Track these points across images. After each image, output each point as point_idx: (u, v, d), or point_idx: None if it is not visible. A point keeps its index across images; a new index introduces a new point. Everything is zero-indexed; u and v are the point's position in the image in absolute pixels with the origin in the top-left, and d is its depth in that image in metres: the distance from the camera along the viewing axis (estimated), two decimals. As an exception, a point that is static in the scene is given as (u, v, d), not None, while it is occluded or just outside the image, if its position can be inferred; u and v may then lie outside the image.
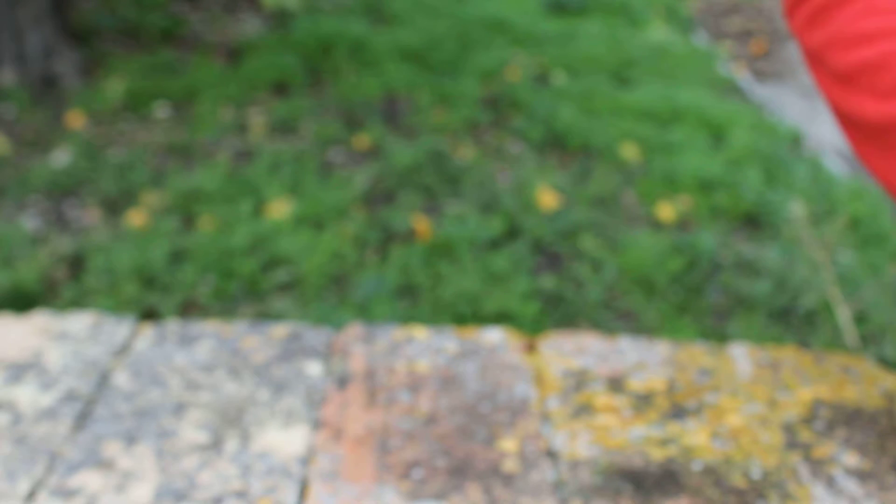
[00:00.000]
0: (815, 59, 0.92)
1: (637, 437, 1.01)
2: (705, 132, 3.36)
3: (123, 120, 3.39)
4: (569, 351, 1.14)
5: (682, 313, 2.38)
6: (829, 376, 1.11)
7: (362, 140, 3.23)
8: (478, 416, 1.03)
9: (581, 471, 0.96)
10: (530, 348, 1.15)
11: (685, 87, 3.79)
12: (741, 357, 1.14)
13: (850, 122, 0.90)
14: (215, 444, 0.99)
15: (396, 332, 1.18)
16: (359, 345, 1.15)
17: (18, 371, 1.09)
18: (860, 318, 2.26)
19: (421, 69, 3.86)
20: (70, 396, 1.05)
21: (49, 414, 1.02)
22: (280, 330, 1.18)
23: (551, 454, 0.99)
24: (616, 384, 1.09)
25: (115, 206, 2.79)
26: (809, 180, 3.04)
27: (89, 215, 2.75)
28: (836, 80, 0.89)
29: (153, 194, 2.82)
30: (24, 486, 0.93)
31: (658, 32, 4.59)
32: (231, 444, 0.99)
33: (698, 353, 1.15)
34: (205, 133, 3.26)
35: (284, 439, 1.00)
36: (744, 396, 1.07)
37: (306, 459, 0.97)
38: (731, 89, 3.98)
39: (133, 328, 1.17)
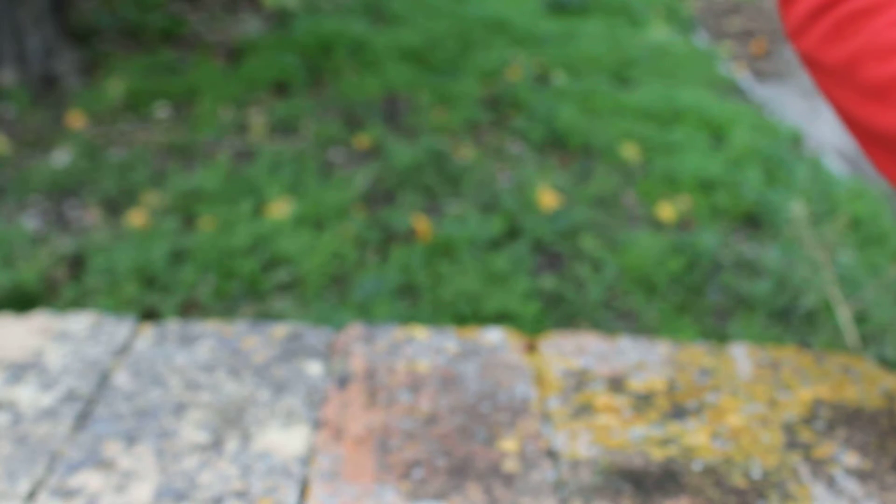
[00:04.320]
0: (838, 76, 0.84)
1: (637, 437, 1.01)
2: (705, 132, 3.36)
3: (123, 120, 3.39)
4: (569, 351, 1.14)
5: (682, 313, 2.38)
6: (830, 376, 1.11)
7: (362, 140, 3.23)
8: (478, 416, 1.03)
9: (581, 471, 0.96)
10: (530, 348, 1.15)
11: (685, 87, 3.79)
12: (741, 357, 1.14)
13: (882, 142, 0.82)
14: (215, 444, 0.99)
15: (397, 332, 1.18)
16: (359, 345, 1.15)
17: (18, 371, 1.09)
18: (860, 318, 2.26)
19: (421, 69, 3.86)
20: (70, 396, 1.05)
21: (49, 414, 1.02)
22: (280, 330, 1.18)
23: (551, 454, 0.99)
24: (616, 384, 1.09)
25: (115, 206, 2.79)
26: (809, 180, 3.04)
27: (89, 215, 2.75)
28: (868, 95, 0.81)
29: (153, 194, 2.82)
30: (24, 486, 0.93)
31: (658, 32, 4.59)
32: (231, 444, 0.99)
33: (698, 353, 1.15)
34: (205, 133, 3.26)
35: (285, 439, 1.00)
36: (744, 396, 1.07)
37: (306, 459, 0.97)
38: (731, 89, 3.98)
39: (133, 328, 1.17)
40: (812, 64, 0.88)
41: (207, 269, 2.44)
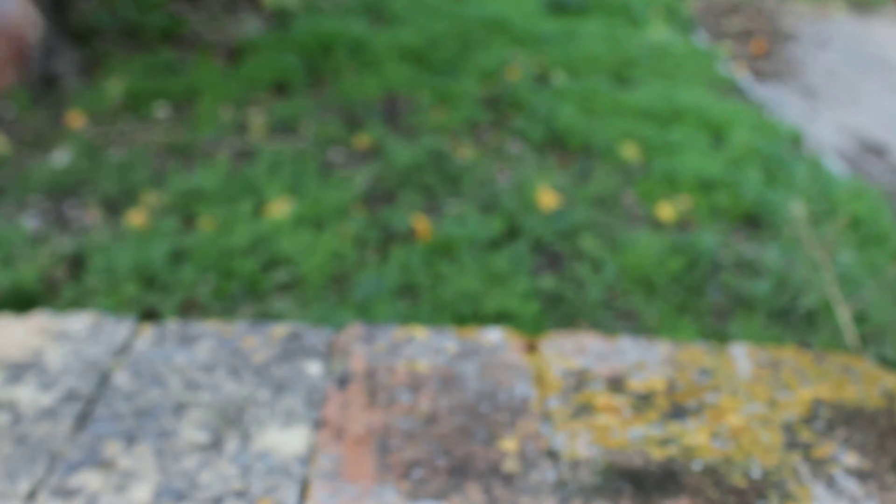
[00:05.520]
0: None
1: (637, 437, 1.01)
2: (705, 132, 3.36)
3: (123, 120, 3.39)
4: (569, 351, 1.15)
5: (682, 313, 2.38)
6: (829, 376, 1.11)
7: (362, 140, 3.23)
8: (478, 416, 1.03)
9: (581, 470, 0.96)
10: (530, 348, 1.15)
11: (685, 87, 3.79)
12: (741, 357, 1.14)
13: None
14: (215, 444, 0.99)
15: (396, 332, 1.18)
16: (359, 345, 1.15)
17: (18, 371, 1.09)
18: (860, 318, 2.26)
19: (421, 69, 3.86)
20: (70, 396, 1.05)
21: (49, 414, 1.02)
22: (280, 330, 1.18)
23: (551, 454, 0.99)
24: (616, 384, 1.09)
25: (115, 206, 2.79)
26: (809, 180, 3.04)
27: (89, 215, 2.75)
28: None
29: (153, 194, 2.82)
30: (24, 485, 0.93)
31: (658, 32, 4.59)
32: (231, 444, 0.99)
33: (698, 353, 1.15)
34: (205, 133, 3.26)
35: (285, 439, 1.00)
36: (744, 396, 1.07)
37: (307, 459, 0.97)
38: (731, 89, 3.98)
39: (133, 328, 1.17)
40: None
41: (207, 269, 2.44)
